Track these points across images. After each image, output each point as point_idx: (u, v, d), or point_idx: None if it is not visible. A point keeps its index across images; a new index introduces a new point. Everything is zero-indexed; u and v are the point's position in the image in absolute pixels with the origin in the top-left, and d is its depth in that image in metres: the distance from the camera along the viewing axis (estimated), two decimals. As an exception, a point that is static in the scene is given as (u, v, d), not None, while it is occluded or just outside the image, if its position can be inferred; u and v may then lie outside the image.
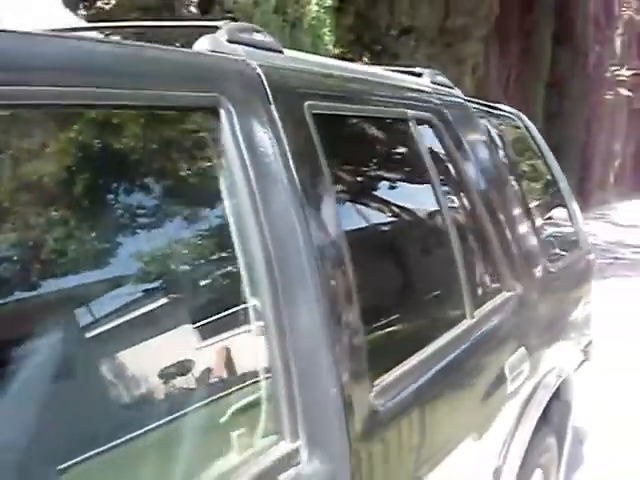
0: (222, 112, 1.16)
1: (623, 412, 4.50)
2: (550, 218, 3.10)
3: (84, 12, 6.47)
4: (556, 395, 2.68)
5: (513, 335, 2.24)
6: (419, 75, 2.42)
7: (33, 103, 0.92)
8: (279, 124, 1.26)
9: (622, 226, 15.67)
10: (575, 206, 3.34)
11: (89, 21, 6.25)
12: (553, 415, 2.71)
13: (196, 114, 1.17)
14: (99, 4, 6.17)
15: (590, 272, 3.29)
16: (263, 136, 1.22)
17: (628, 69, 19.05)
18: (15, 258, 0.88)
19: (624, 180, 24.52)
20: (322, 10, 6.28)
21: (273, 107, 1.27)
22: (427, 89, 2.16)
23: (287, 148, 1.26)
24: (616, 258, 11.30)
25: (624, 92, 19.24)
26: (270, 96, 1.28)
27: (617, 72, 18.98)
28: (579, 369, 3.15)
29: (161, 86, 1.10)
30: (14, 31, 0.92)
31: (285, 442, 1.16)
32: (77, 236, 0.97)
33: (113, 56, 1.07)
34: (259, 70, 1.31)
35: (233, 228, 1.15)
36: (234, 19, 6.11)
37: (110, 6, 6.39)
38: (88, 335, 0.97)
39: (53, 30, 1.67)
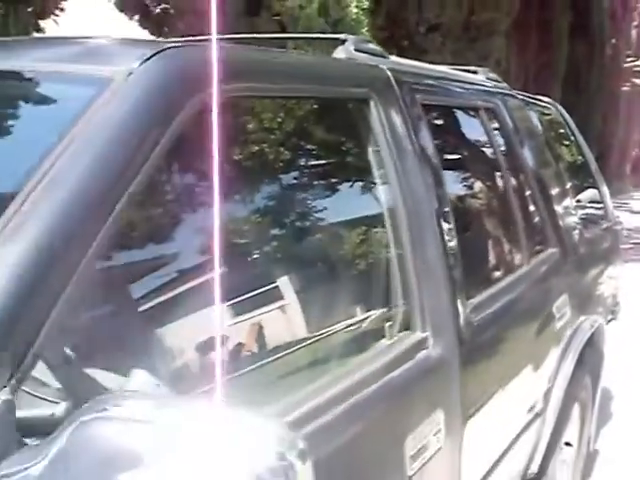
0: (372, 103, 1.67)
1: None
2: (585, 194, 3.58)
3: (138, 17, 6.99)
4: (590, 341, 3.16)
5: (557, 283, 2.73)
6: (474, 72, 2.92)
7: (279, 95, 1.44)
8: (405, 112, 1.77)
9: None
10: (604, 185, 3.83)
11: (144, 26, 6.79)
12: (588, 359, 3.19)
13: (357, 104, 1.68)
14: (158, 10, 6.70)
15: (618, 241, 3.79)
16: (397, 120, 1.72)
17: (644, 60, 19.41)
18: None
19: (641, 170, 24.80)
20: (360, 12, 6.76)
21: (401, 100, 1.77)
22: (487, 83, 2.66)
23: (411, 128, 1.76)
24: (635, 244, 11.75)
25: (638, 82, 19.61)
26: (397, 91, 1.78)
27: (633, 63, 19.32)
28: (609, 324, 3.64)
29: (339, 84, 1.62)
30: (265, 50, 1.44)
31: (418, 332, 1.67)
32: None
33: (310, 63, 1.59)
34: (387, 72, 1.82)
35: (383, 186, 1.67)
36: (281, 22, 6.62)
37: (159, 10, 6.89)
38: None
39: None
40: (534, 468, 2.64)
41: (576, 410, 3.13)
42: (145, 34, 6.93)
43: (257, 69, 1.35)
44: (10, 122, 1.22)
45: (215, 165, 1.24)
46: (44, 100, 1.19)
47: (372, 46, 2.03)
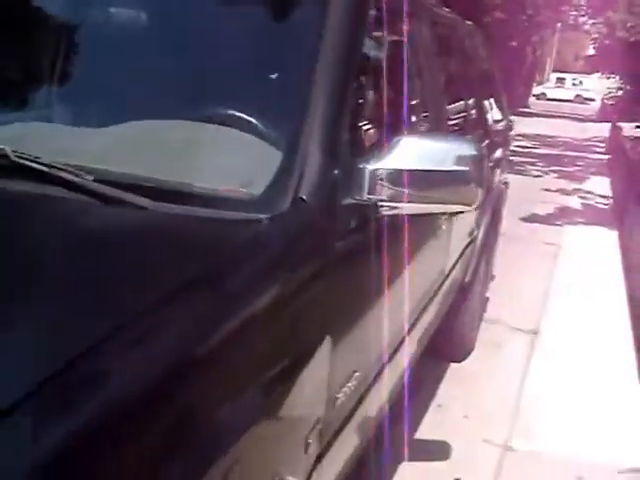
0: (415, 17, 2.69)
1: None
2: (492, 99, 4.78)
3: None
4: (498, 200, 4.41)
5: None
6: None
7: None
8: (430, 26, 2.81)
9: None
10: (503, 94, 5.07)
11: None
12: (495, 214, 4.42)
13: (411, 18, 2.66)
14: None
15: (510, 132, 5.09)
16: (426, 26, 2.76)
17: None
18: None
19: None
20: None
21: (427, 16, 2.81)
22: (444, 10, 3.75)
23: (431, 32, 2.81)
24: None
25: (499, 16, 21.31)
26: (425, 10, 2.82)
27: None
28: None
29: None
30: None
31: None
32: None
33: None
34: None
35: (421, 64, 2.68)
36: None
37: None
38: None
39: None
40: (467, 279, 3.86)
41: (484, 261, 4.32)
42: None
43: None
44: (263, 23, 2.00)
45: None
46: (294, 4, 2.05)
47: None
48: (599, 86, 39.90)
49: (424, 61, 2.67)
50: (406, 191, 1.71)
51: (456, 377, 4.06)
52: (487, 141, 3.96)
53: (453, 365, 4.19)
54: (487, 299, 5.07)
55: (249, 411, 1.33)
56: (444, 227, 2.79)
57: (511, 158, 5.98)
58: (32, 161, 1.58)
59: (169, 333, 1.20)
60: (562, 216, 8.73)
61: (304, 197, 1.58)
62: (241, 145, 1.74)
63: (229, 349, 1.28)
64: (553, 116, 27.58)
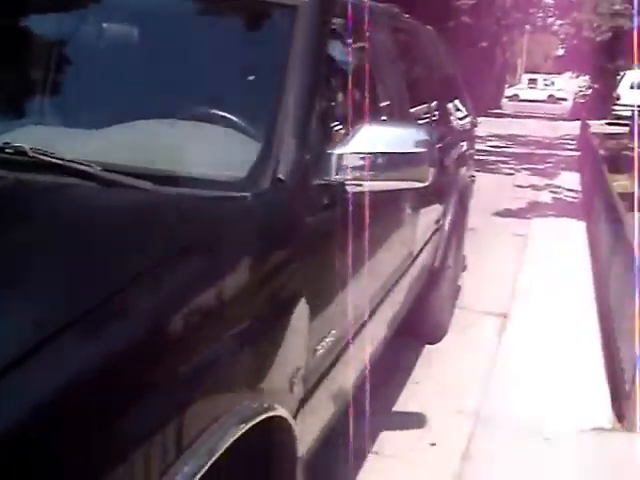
0: (379, 25, 2.99)
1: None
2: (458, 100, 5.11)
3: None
4: (464, 190, 4.72)
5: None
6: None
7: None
8: (390, 32, 3.12)
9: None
10: (465, 93, 5.39)
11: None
12: (461, 204, 4.71)
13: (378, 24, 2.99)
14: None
15: (474, 128, 5.41)
16: (384, 33, 3.07)
17: (471, -2, 21.50)
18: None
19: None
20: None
21: (383, 22, 3.12)
22: (405, 16, 4.06)
23: (390, 36, 3.12)
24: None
25: (465, 20, 21.75)
26: (382, 18, 3.13)
27: (462, 2, 21.39)
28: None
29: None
30: None
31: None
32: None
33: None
34: (378, 6, 3.14)
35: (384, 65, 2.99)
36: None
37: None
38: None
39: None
40: (437, 264, 4.16)
41: (454, 240, 4.64)
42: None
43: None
44: (243, 33, 2.37)
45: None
46: (268, 16, 2.37)
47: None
48: (571, 85, 40.58)
49: (385, 64, 2.97)
50: (367, 172, 2.00)
51: (431, 357, 4.35)
52: (449, 137, 4.27)
53: (428, 347, 4.48)
54: (459, 287, 5.35)
55: (245, 351, 1.61)
56: (409, 211, 3.09)
57: (484, 157, 6.33)
58: (49, 156, 1.86)
59: (171, 289, 1.47)
60: (533, 210, 9.05)
61: (281, 177, 1.88)
62: (227, 138, 2.06)
63: (224, 303, 1.56)
64: (526, 116, 28.08)
